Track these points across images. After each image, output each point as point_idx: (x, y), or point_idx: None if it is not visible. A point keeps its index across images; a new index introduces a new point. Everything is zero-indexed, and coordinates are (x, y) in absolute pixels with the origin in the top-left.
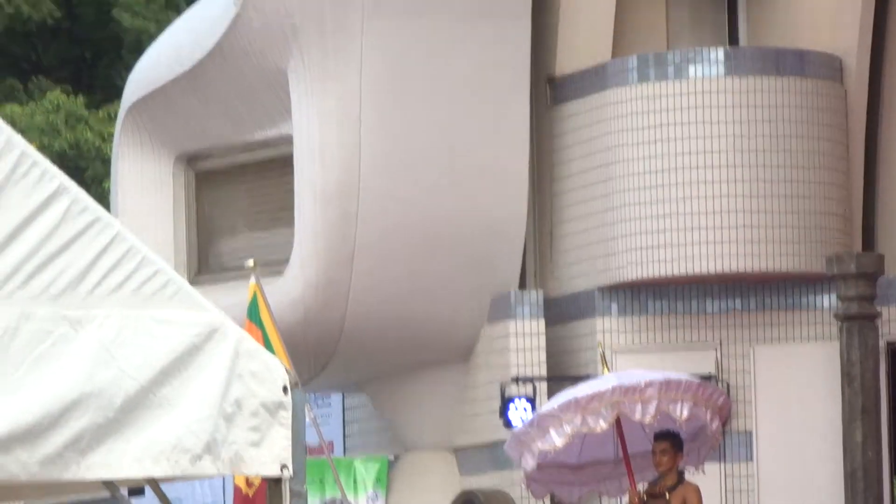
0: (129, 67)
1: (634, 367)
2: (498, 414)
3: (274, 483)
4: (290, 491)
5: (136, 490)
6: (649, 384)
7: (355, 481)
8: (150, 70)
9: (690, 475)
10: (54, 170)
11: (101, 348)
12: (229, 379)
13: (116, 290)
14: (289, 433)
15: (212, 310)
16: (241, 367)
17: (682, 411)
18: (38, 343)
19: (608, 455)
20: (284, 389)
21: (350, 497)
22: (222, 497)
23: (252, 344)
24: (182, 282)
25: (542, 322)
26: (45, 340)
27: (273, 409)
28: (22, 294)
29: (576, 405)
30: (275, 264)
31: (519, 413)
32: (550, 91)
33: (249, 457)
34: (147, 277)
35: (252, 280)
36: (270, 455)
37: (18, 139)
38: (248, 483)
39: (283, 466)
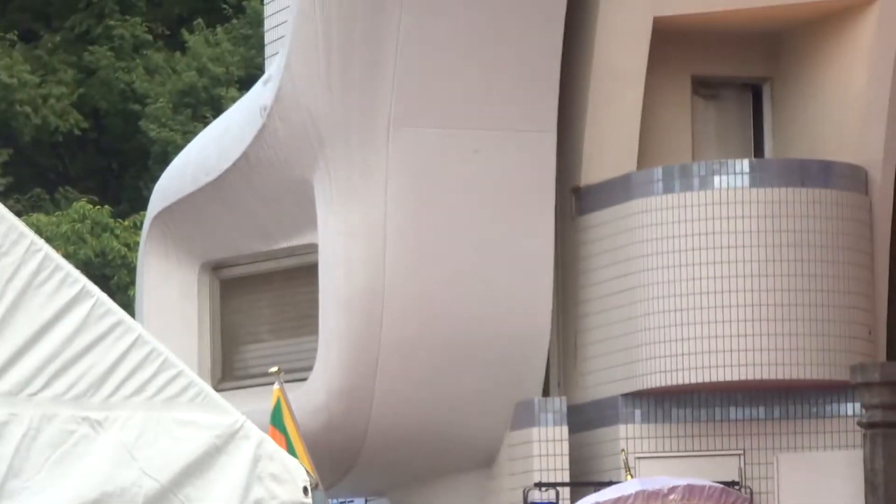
0: (155, 178)
1: (658, 473)
2: None
3: None
4: None
5: None
6: (672, 489)
7: None
8: (176, 179)
9: None
10: (77, 273)
11: (122, 449)
12: (250, 480)
13: (138, 392)
14: None
15: (233, 412)
16: (262, 469)
17: None
18: (60, 444)
19: None
20: (305, 491)
21: None
22: None
23: (272, 446)
24: (203, 384)
25: (565, 429)
26: (66, 441)
27: None
28: (44, 395)
29: None
30: (299, 371)
31: None
32: (575, 201)
33: None
34: (169, 380)
35: (276, 386)
36: None
37: (41, 243)
38: None
39: None
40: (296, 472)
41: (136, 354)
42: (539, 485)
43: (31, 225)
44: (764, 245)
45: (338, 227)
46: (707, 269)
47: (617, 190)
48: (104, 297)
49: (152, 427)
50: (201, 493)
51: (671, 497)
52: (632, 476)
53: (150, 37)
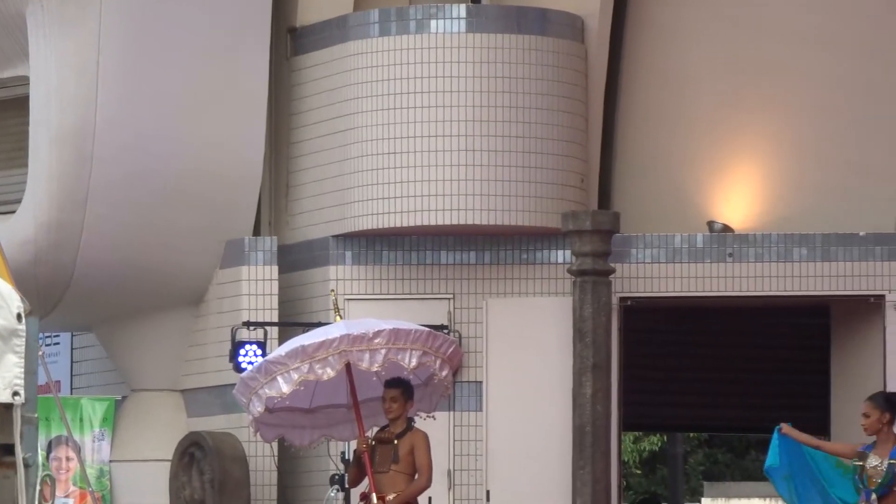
0: None
1: (368, 315)
2: (228, 358)
3: (5, 409)
4: (22, 417)
5: None
6: (378, 333)
7: (82, 420)
8: None
9: (421, 421)
10: None
11: None
12: None
13: None
14: (22, 361)
15: None
16: None
17: (410, 360)
18: None
19: (341, 400)
20: (18, 317)
21: (76, 436)
22: None
23: None
24: None
25: (275, 268)
26: None
27: (6, 337)
28: None
29: (303, 353)
30: (7, 203)
31: (249, 358)
32: (291, 41)
33: None
34: None
35: None
36: (2, 381)
37: None
38: None
39: (16, 393)
40: (9, 298)
41: None
42: (247, 324)
43: None
44: (479, 91)
45: (50, 59)
46: (422, 114)
47: (333, 31)
48: None
49: None
50: None
51: (376, 341)
52: (342, 317)
53: None
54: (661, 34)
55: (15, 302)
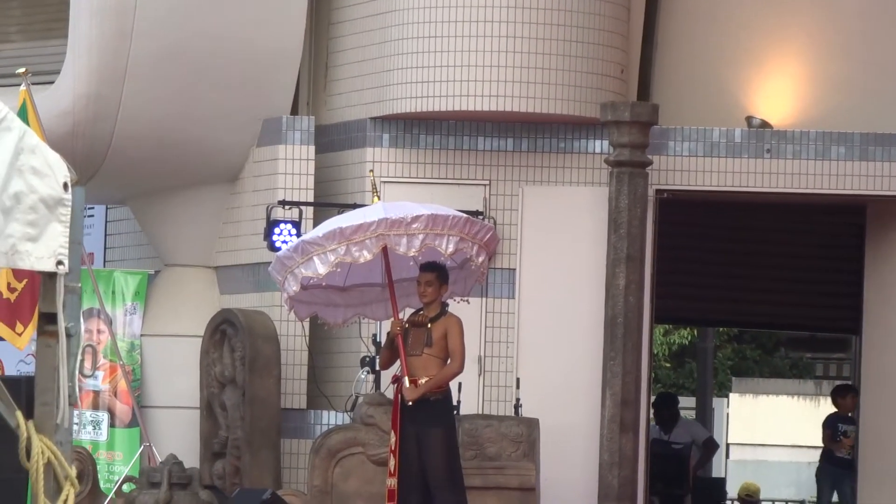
0: None
1: (403, 198)
2: (262, 236)
3: (49, 278)
4: (66, 287)
5: None
6: (416, 218)
7: (114, 293)
8: None
9: (455, 305)
10: None
11: None
12: (9, 173)
13: None
14: (67, 230)
15: None
16: (23, 162)
17: (447, 246)
18: None
19: (375, 279)
20: (65, 186)
21: (108, 308)
22: None
23: (34, 139)
24: None
25: (312, 148)
26: None
27: (52, 206)
28: None
29: (340, 234)
30: (46, 74)
31: (283, 237)
32: None
33: (26, 251)
34: None
35: (22, 87)
36: (47, 250)
37: None
38: (10, 288)
39: (60, 262)
40: (56, 167)
41: None
42: (283, 203)
43: None
44: None
45: None
46: None
47: None
48: None
49: None
50: None
51: (414, 226)
52: (379, 199)
53: None
54: None
55: (62, 171)
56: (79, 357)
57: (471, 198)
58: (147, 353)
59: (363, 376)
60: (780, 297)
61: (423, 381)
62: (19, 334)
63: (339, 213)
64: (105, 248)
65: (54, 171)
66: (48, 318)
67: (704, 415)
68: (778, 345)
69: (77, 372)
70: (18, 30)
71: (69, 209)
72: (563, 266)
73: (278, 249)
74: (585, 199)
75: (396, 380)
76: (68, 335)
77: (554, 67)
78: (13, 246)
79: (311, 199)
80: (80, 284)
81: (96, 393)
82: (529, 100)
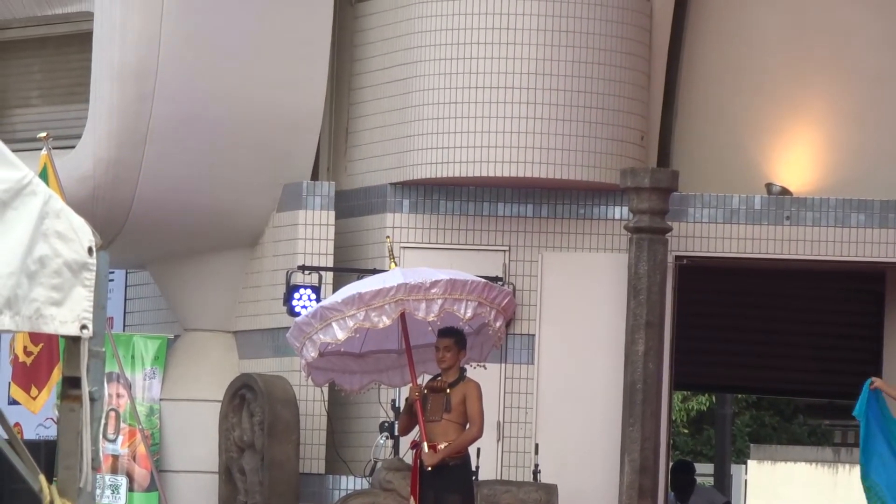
0: None
1: (423, 264)
2: (282, 301)
3: (73, 343)
4: (89, 351)
5: None
6: (435, 283)
7: (133, 357)
8: None
9: (472, 371)
10: None
11: None
12: (34, 237)
13: None
14: (91, 294)
15: (22, 167)
16: (48, 227)
17: (465, 311)
18: None
19: (391, 346)
20: (89, 251)
21: (127, 373)
22: None
23: (59, 204)
24: None
25: (332, 213)
26: None
27: (77, 270)
28: None
29: (359, 300)
30: (67, 138)
31: (303, 302)
32: None
33: (50, 315)
34: None
35: (43, 151)
36: (72, 314)
37: None
38: (27, 352)
39: (84, 327)
40: (81, 231)
41: None
42: (302, 268)
43: None
44: (542, 44)
45: None
46: (484, 65)
47: None
48: None
49: None
50: None
51: (433, 291)
52: (397, 264)
53: None
54: None
55: (87, 235)
56: (102, 421)
57: (491, 263)
58: (166, 418)
59: (382, 441)
60: (798, 363)
61: (442, 446)
62: (34, 398)
63: (358, 278)
64: (125, 313)
65: (79, 235)
66: (72, 383)
67: (723, 481)
68: (796, 411)
69: (101, 436)
70: (39, 94)
71: (94, 273)
72: (582, 332)
73: (298, 314)
74: (605, 265)
75: (415, 445)
76: (92, 399)
77: (574, 134)
78: (37, 310)
79: (330, 264)
80: (104, 349)
81: (115, 457)
82: (549, 166)
